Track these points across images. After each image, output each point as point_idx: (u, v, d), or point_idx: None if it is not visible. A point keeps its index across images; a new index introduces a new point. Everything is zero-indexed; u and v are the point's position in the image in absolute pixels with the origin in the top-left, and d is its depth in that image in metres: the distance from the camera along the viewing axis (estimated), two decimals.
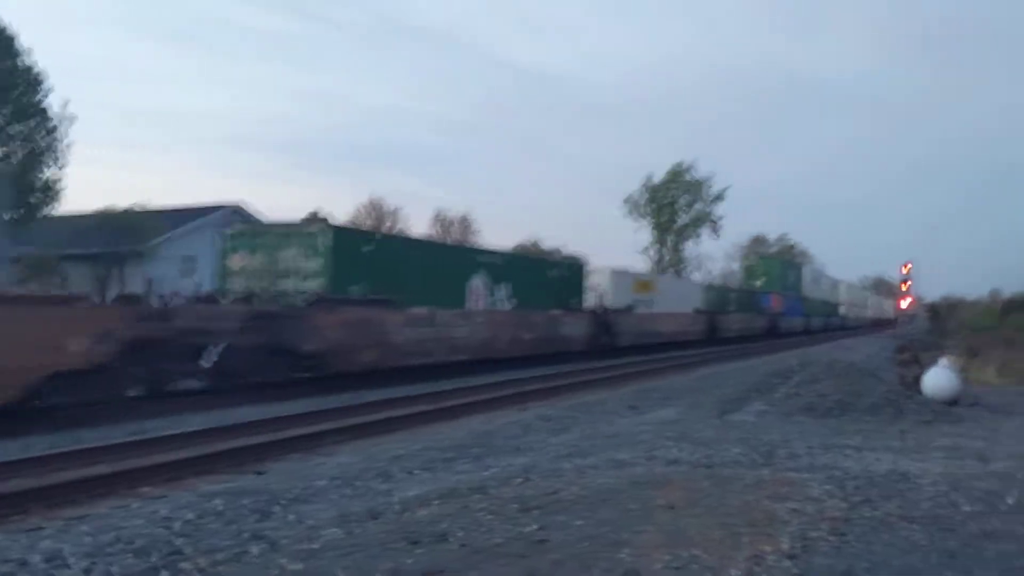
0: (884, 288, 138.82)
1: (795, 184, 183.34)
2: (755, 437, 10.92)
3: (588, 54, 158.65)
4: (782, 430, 11.70)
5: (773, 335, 55.74)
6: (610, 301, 33.48)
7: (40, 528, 6.65)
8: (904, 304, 65.75)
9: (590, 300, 32.54)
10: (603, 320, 31.84)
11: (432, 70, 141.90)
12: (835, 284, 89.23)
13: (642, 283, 38.11)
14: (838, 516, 6.51)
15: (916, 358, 29.18)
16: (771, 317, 57.12)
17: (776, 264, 64.66)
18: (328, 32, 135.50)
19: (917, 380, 16.65)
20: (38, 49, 66.80)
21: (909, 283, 62.14)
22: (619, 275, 35.91)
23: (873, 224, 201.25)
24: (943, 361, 17.37)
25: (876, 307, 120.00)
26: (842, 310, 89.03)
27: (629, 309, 34.65)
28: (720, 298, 49.26)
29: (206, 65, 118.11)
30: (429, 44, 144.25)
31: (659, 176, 75.01)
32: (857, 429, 11.88)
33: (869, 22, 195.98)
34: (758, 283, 59.27)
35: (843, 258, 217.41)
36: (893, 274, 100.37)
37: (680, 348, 38.11)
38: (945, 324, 62.06)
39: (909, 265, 61.73)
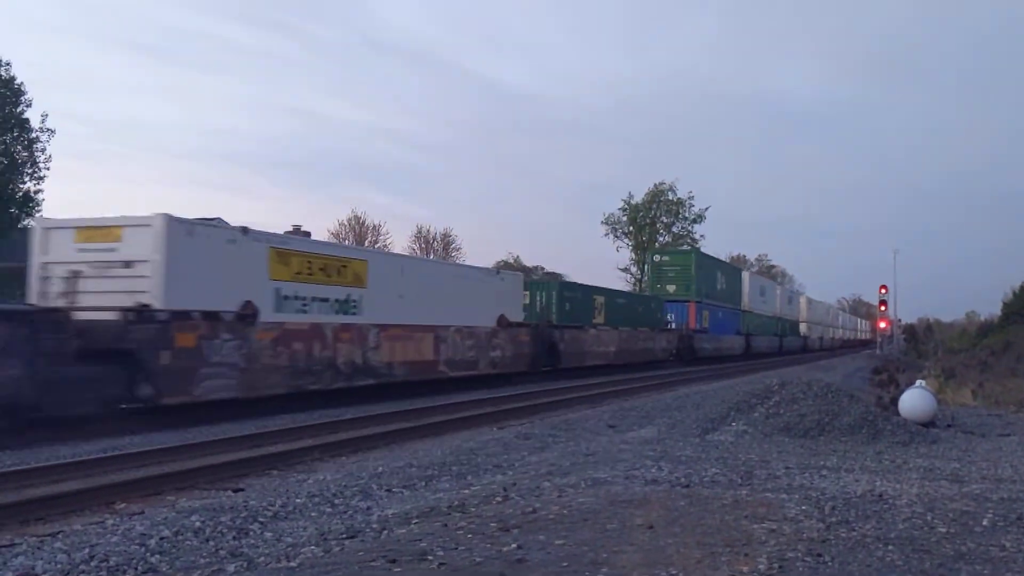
0: (862, 309, 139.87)
1: (776, 206, 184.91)
2: (734, 457, 10.96)
3: (565, 74, 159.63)
4: (761, 450, 11.75)
5: (687, 360, 42.59)
6: (160, 296, 14.56)
7: (13, 544, 6.59)
8: (882, 325, 66.32)
9: (120, 292, 14.60)
10: (117, 344, 13.92)
11: (410, 88, 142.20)
12: (792, 297, 74.70)
13: (314, 260, 18.41)
14: (815, 537, 6.54)
15: (893, 379, 29.41)
16: (683, 336, 43.09)
17: (694, 261, 46.06)
18: (309, 49, 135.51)
19: (894, 401, 16.78)
20: (16, 61, 66.32)
21: (886, 304, 62.81)
22: (201, 233, 15.65)
23: (852, 247, 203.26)
24: (920, 382, 17.51)
25: (849, 326, 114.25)
26: (803, 329, 76.06)
27: (245, 317, 16.14)
28: (573, 304, 31.44)
29: (185, 79, 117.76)
30: (408, 63, 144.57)
31: (639, 195, 75.54)
32: (834, 449, 11.95)
33: (854, 46, 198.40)
34: (671, 288, 44.71)
35: (822, 280, 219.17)
36: (871, 296, 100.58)
37: (443, 391, 22.14)
38: (922, 345, 62.62)
39: (885, 287, 62.42)
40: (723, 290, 50.78)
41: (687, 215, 75.46)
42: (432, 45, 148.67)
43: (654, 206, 75.06)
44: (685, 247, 51.79)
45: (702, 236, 75.76)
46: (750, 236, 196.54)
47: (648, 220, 74.62)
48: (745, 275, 59.21)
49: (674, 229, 75.42)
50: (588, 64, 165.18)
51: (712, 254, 56.10)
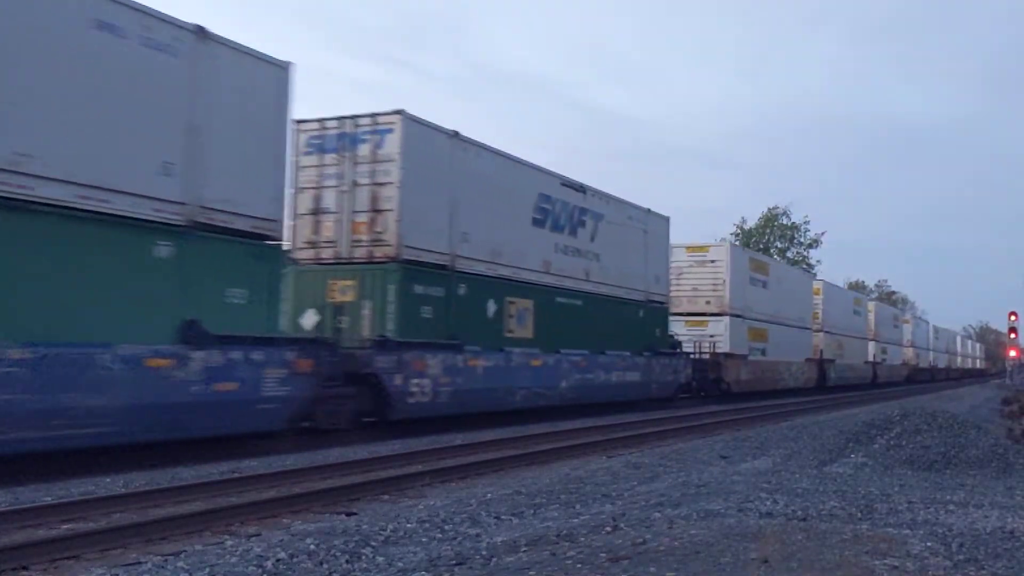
0: (990, 337, 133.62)
1: (895, 232, 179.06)
2: (853, 490, 10.57)
3: (679, 100, 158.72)
4: (882, 483, 11.31)
5: None
6: None
7: (139, 563, 6.85)
8: (1011, 353, 63.06)
9: None
10: None
11: (521, 116, 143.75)
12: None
13: None
14: (941, 575, 6.25)
15: None
16: None
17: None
18: (418, 80, 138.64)
19: None
20: None
21: (1016, 332, 59.74)
22: None
23: (979, 273, 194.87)
24: None
25: (938, 347, 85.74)
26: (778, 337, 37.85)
27: None
28: None
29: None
30: (517, 90, 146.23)
31: (752, 221, 74.10)
32: (961, 484, 11.41)
33: (972, 67, 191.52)
34: None
35: (948, 308, 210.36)
36: (1000, 323, 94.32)
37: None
38: None
39: (1015, 314, 59.34)
40: None
41: (802, 240, 73.77)
42: (540, 72, 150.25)
43: (767, 231, 73.56)
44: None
45: (818, 262, 73.87)
46: (871, 263, 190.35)
47: (761, 245, 73.13)
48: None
49: (788, 254, 73.72)
50: (701, 89, 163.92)
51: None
